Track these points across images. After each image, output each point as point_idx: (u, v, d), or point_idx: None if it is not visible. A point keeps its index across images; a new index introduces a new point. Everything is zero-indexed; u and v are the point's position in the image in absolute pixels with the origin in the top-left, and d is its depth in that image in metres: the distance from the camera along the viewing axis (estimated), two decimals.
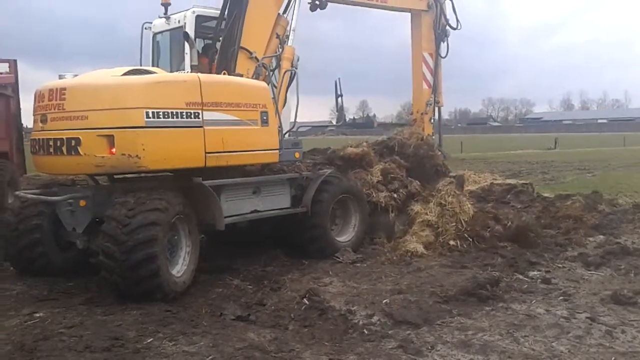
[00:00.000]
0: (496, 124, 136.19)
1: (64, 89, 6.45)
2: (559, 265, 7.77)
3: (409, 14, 11.80)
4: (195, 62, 7.50)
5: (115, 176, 7.47)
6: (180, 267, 6.53)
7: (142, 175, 7.42)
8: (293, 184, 8.26)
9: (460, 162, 26.43)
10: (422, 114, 11.93)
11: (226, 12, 8.54)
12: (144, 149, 6.16)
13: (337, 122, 11.45)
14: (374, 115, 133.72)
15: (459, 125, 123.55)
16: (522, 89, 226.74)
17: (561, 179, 19.38)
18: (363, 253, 8.46)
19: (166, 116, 6.33)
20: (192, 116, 6.55)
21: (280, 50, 8.91)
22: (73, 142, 6.29)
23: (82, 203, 6.70)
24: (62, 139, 6.39)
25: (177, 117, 6.42)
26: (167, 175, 7.32)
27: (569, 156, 32.68)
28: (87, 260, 7.10)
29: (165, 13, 9.44)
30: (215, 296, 6.45)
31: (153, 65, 9.32)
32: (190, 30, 8.84)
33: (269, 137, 7.62)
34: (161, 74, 6.94)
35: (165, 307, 5.83)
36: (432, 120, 12.19)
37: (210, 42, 9.11)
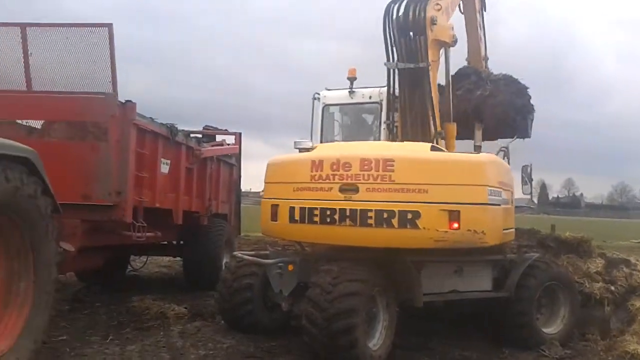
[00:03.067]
0: None
1: (392, 160, 6.46)
2: None
3: None
4: (480, 142, 7.81)
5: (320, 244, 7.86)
6: (377, 341, 6.53)
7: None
8: (496, 266, 7.88)
9: None
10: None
11: (395, 90, 8.49)
12: (487, 225, 6.46)
13: (530, 205, 10.79)
14: (581, 195, 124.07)
15: None
16: None
17: None
18: (572, 349, 7.69)
19: (495, 194, 6.69)
20: (501, 195, 6.89)
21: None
22: (410, 215, 6.25)
23: (290, 268, 7.10)
24: (393, 210, 6.29)
25: (498, 196, 6.78)
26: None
27: None
28: (289, 322, 7.49)
29: (351, 86, 9.64)
30: None
31: (322, 137, 9.53)
32: (384, 107, 9.00)
33: (513, 216, 7.77)
34: (491, 154, 7.28)
35: None
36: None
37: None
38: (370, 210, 6.35)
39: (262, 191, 7.57)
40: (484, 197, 6.40)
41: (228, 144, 12.69)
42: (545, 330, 7.81)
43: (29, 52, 7.51)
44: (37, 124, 7.66)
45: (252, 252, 8.28)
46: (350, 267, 6.42)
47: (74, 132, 7.62)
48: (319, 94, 9.59)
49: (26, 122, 7.70)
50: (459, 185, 6.35)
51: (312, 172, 6.78)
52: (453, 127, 8.85)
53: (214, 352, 6.88)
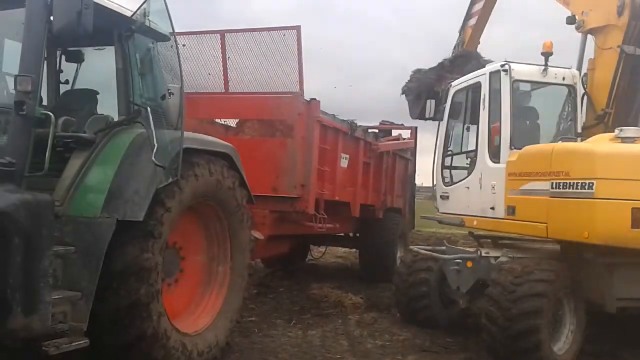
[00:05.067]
0: None
1: None
2: None
3: None
4: None
5: (500, 242, 7.63)
6: (562, 345, 6.21)
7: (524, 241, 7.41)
8: None
9: None
10: None
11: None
12: None
13: None
14: None
15: None
16: None
17: None
18: None
19: None
20: None
21: None
22: None
23: (469, 264, 6.95)
24: None
25: None
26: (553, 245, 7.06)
27: None
28: (466, 319, 7.39)
29: (546, 63, 8.71)
30: None
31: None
32: (579, 90, 8.26)
33: None
34: None
35: None
36: None
37: None
38: None
39: (590, 188, 5.97)
40: None
41: (404, 139, 12.77)
42: None
43: (227, 57, 8.26)
44: (232, 122, 8.38)
45: (428, 247, 8.26)
46: (535, 266, 6.14)
47: (264, 129, 8.22)
48: (505, 65, 7.99)
49: (223, 121, 8.46)
50: None
51: None
52: None
53: (390, 344, 7.01)
